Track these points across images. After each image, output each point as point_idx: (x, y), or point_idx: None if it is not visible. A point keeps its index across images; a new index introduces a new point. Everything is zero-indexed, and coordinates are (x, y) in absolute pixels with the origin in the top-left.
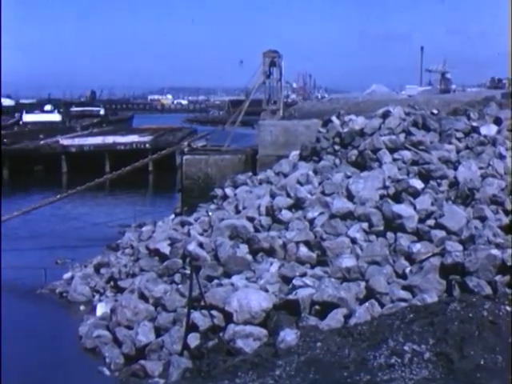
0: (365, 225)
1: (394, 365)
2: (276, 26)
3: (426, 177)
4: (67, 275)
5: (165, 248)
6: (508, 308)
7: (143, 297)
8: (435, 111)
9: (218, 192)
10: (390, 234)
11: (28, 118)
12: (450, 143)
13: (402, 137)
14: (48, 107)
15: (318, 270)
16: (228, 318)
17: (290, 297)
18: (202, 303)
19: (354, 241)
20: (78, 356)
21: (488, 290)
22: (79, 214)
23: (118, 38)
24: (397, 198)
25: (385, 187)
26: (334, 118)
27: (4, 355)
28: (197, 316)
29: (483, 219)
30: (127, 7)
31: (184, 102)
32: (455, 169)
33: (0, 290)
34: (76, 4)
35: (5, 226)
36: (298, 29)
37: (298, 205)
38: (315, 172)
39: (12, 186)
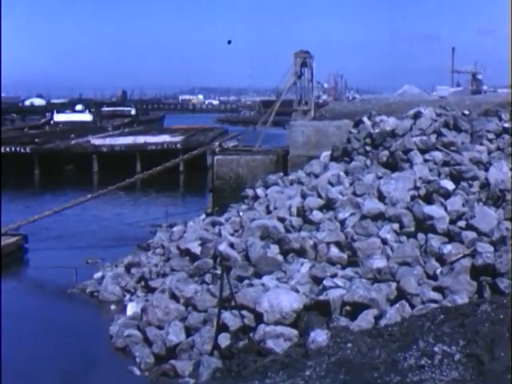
0: (396, 226)
1: (424, 366)
2: (307, 26)
3: (457, 178)
4: (98, 275)
5: (196, 248)
6: None
7: (174, 297)
8: (466, 112)
9: (249, 192)
10: (420, 235)
11: (59, 117)
12: (482, 144)
13: (433, 138)
14: (79, 107)
15: (349, 271)
16: (258, 318)
17: (321, 297)
18: (233, 303)
19: (384, 242)
20: (109, 355)
21: None
22: (110, 214)
23: (149, 37)
24: (428, 199)
25: (416, 188)
26: (365, 119)
27: (36, 354)
28: (227, 316)
29: None
30: (159, 7)
31: (215, 102)
32: (486, 170)
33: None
34: (107, 4)
35: (36, 226)
36: (329, 29)
37: (328, 205)
38: (346, 173)
39: (43, 185)
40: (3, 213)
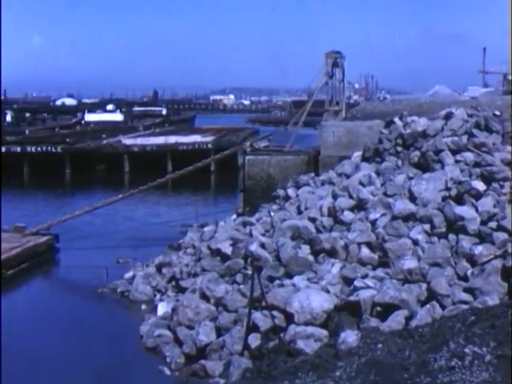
0: (427, 226)
1: (455, 367)
2: (339, 26)
3: (488, 179)
4: (129, 274)
5: (227, 248)
6: None
7: (205, 297)
8: (498, 113)
9: (280, 192)
10: (451, 236)
11: (90, 117)
12: None
13: (464, 138)
14: (110, 107)
15: (380, 272)
16: (289, 318)
17: (352, 298)
18: (264, 303)
19: (415, 242)
20: (139, 355)
21: None
22: (141, 214)
23: (180, 37)
24: (459, 200)
25: (447, 189)
26: (396, 119)
27: (66, 354)
28: (258, 316)
29: None
30: (190, 7)
31: (246, 102)
32: None
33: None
34: (139, 5)
35: (67, 226)
36: (360, 29)
37: (360, 206)
38: (377, 173)
39: (74, 185)
40: (34, 212)
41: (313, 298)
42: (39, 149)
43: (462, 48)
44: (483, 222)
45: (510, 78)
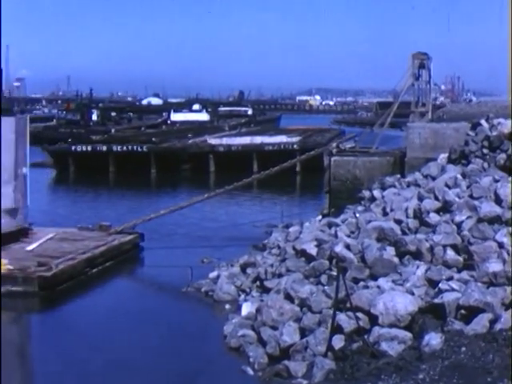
0: None
1: None
2: (424, 26)
3: None
4: (213, 274)
5: (312, 249)
6: None
7: (289, 297)
8: None
9: (366, 194)
10: None
11: (176, 117)
12: None
13: None
14: (196, 106)
15: (465, 274)
16: (373, 320)
17: (436, 300)
18: (348, 305)
19: (501, 245)
20: (223, 355)
21: None
22: (226, 214)
23: (265, 38)
24: None
25: None
26: (482, 122)
27: (150, 353)
28: (342, 318)
29: None
30: (273, 7)
31: (332, 102)
32: None
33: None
34: (226, 5)
35: (152, 225)
36: (446, 30)
37: (445, 208)
38: (463, 175)
39: (159, 184)
40: (120, 211)
41: (397, 300)
42: (125, 148)
43: None
44: None
45: None
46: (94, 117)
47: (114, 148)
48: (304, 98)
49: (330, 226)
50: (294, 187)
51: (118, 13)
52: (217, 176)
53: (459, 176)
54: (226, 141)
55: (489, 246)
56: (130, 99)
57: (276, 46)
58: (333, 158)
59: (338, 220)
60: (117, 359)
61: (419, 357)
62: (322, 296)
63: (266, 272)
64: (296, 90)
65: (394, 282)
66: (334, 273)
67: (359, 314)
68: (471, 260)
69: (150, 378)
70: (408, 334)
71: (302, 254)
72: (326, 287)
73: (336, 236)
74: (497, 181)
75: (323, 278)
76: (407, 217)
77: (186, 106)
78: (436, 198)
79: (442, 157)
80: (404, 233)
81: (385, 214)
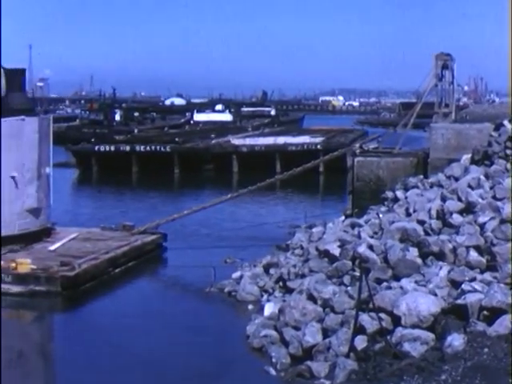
0: None
1: None
2: (447, 27)
3: None
4: (236, 274)
5: (335, 249)
6: None
7: (312, 298)
8: None
9: (389, 194)
10: None
11: (199, 117)
12: None
13: None
14: (219, 107)
15: (488, 275)
16: (396, 321)
17: (459, 301)
18: (371, 306)
19: None
20: (245, 355)
21: None
22: (249, 214)
23: (288, 38)
24: None
25: None
26: (506, 122)
27: (174, 352)
28: (365, 318)
29: None
30: (297, 7)
31: (355, 103)
32: None
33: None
34: (250, 5)
35: (175, 225)
36: (469, 31)
37: (468, 209)
38: (486, 176)
39: (182, 184)
40: (144, 211)
41: (420, 301)
42: (148, 148)
43: None
44: None
45: None
46: (117, 117)
47: (137, 148)
48: (327, 98)
49: (353, 226)
50: (317, 188)
51: (141, 13)
52: (240, 176)
53: (482, 177)
54: (249, 141)
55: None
56: (153, 99)
57: (298, 47)
58: (356, 159)
59: (361, 221)
60: (139, 358)
61: (441, 358)
62: (345, 296)
63: (289, 272)
64: (319, 91)
65: (416, 282)
66: (357, 273)
67: (382, 315)
68: (494, 261)
69: (173, 377)
70: (430, 335)
71: (325, 254)
72: (348, 288)
73: (359, 237)
74: None
75: (346, 279)
76: (430, 218)
77: (209, 106)
78: (459, 199)
79: (465, 158)
80: (427, 234)
81: (408, 214)
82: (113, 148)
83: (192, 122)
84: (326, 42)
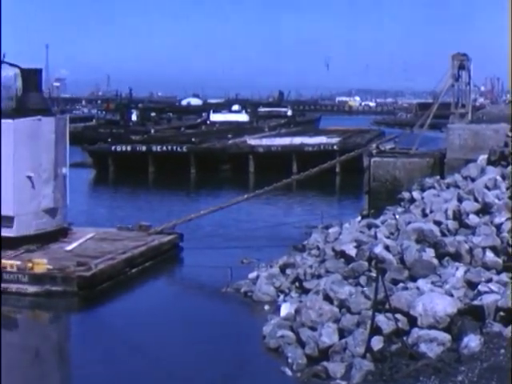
0: None
1: None
2: (463, 27)
3: None
4: (252, 275)
5: (351, 250)
6: None
7: (328, 298)
8: None
9: (406, 195)
10: None
11: (215, 117)
12: None
13: None
14: (236, 107)
15: (504, 276)
16: (412, 321)
17: (475, 302)
18: (387, 306)
19: None
20: (261, 355)
21: None
22: (266, 215)
23: (305, 39)
24: None
25: None
26: None
27: (190, 353)
28: (381, 319)
29: None
30: (312, 8)
31: (372, 104)
32: None
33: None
34: (265, 5)
35: (192, 225)
36: (485, 30)
37: (485, 209)
38: (503, 177)
39: (199, 184)
40: (161, 211)
41: (436, 302)
42: (164, 148)
43: None
44: None
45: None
46: (134, 117)
47: (154, 148)
48: (344, 98)
49: (369, 227)
50: (333, 188)
51: (157, 13)
52: (256, 177)
53: (499, 177)
54: (265, 141)
55: None
56: (169, 99)
57: (315, 46)
58: (372, 159)
59: (377, 221)
60: (156, 359)
61: (458, 359)
62: (361, 297)
63: (306, 273)
64: (335, 91)
65: (433, 283)
66: (374, 274)
67: (398, 316)
68: (510, 262)
69: (190, 377)
70: (447, 336)
71: (341, 255)
72: (365, 288)
73: (375, 237)
74: None
75: (362, 279)
76: (447, 218)
77: (225, 106)
78: (475, 200)
79: (482, 158)
80: (443, 234)
81: (424, 215)
82: (129, 148)
83: (208, 122)
84: (342, 41)
